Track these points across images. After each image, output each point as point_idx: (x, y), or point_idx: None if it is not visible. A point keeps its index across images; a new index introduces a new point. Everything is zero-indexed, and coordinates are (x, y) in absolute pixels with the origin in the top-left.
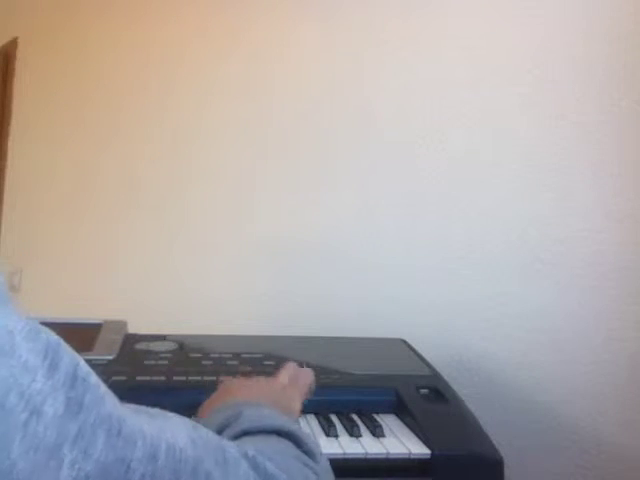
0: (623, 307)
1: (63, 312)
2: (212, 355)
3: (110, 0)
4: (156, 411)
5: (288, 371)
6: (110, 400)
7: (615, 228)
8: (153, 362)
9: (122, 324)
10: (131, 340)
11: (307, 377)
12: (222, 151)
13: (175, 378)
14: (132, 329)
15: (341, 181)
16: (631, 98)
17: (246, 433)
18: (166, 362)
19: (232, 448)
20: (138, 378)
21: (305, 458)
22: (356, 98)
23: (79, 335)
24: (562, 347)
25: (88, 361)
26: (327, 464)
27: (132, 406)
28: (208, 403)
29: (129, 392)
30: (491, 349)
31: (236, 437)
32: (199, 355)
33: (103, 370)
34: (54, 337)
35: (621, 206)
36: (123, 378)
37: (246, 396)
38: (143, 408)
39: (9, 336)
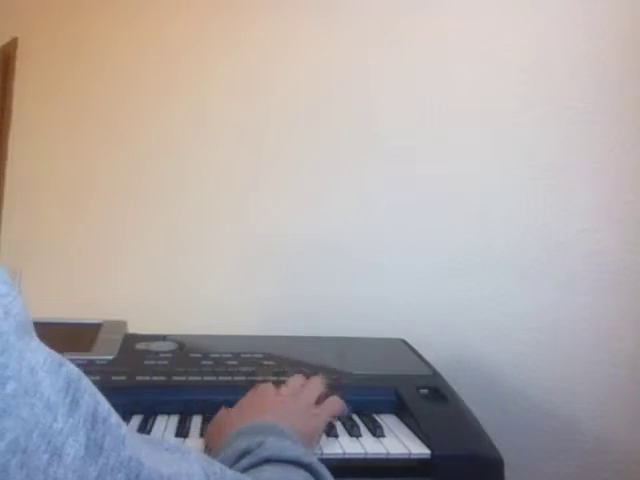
0: (623, 307)
1: (63, 312)
2: (212, 355)
3: (110, 0)
4: (173, 446)
5: (315, 387)
6: (130, 441)
7: (615, 228)
8: (153, 362)
9: (122, 324)
10: (131, 340)
11: (335, 406)
12: (222, 150)
13: (175, 378)
14: (132, 329)
15: (341, 181)
16: (631, 98)
17: (267, 461)
18: (166, 362)
19: None
20: (138, 378)
21: None
22: (356, 98)
23: (79, 335)
24: (562, 347)
25: (88, 361)
26: None
27: (150, 439)
28: (238, 411)
29: (129, 392)
30: (491, 349)
31: (257, 464)
32: (199, 355)
33: (103, 370)
34: (74, 371)
35: (621, 206)
36: (123, 378)
37: (274, 417)
38: (160, 442)
39: (32, 373)
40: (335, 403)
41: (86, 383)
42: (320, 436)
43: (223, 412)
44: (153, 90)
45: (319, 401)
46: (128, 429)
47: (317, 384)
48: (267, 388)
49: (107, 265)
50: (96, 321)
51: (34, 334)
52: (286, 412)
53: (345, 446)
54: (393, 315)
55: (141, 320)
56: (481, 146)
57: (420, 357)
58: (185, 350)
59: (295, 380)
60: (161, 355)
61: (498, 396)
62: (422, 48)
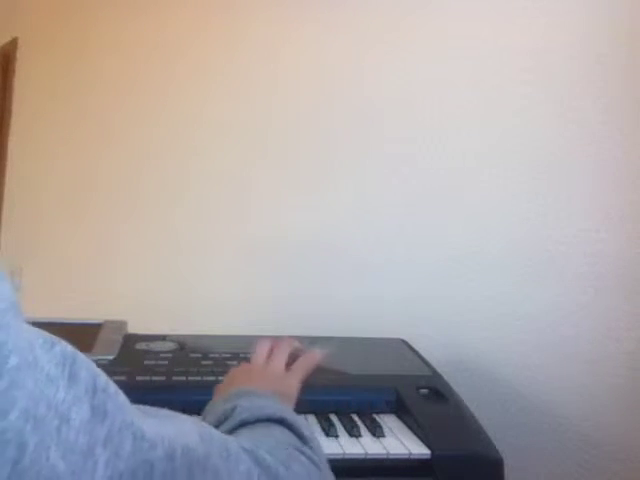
0: (623, 307)
1: (63, 312)
2: (212, 355)
3: (110, 1)
4: (166, 412)
5: (283, 350)
6: (129, 408)
7: (615, 228)
8: (153, 362)
9: (122, 324)
10: (131, 340)
11: (308, 360)
12: (222, 151)
13: (175, 378)
14: (132, 329)
15: (341, 181)
16: (631, 98)
17: (244, 423)
18: (166, 362)
19: (233, 443)
20: (138, 378)
21: (299, 444)
22: (356, 98)
23: (79, 335)
24: (562, 347)
25: None
26: (319, 444)
27: (144, 408)
28: (216, 391)
29: (129, 392)
30: (491, 349)
31: (234, 428)
32: (199, 355)
33: (103, 370)
34: (68, 348)
35: (621, 206)
36: (123, 378)
37: (245, 384)
38: (154, 410)
39: (30, 348)
40: (307, 358)
41: (82, 358)
42: (297, 393)
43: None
44: (152, 90)
45: (290, 362)
46: (126, 399)
47: (284, 347)
48: (238, 366)
49: (107, 265)
50: (96, 321)
51: (24, 319)
52: (257, 376)
53: (345, 446)
54: (393, 315)
55: (141, 320)
56: (481, 146)
57: (420, 357)
58: (185, 350)
59: (262, 346)
60: (161, 355)
61: (498, 396)
62: (422, 48)
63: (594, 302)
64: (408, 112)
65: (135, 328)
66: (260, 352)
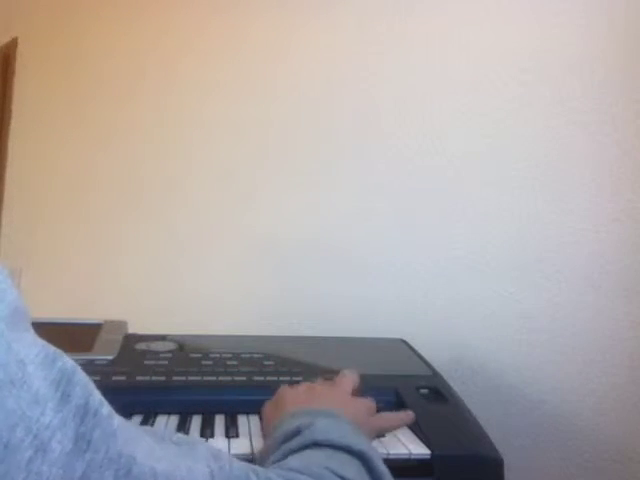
0: (623, 307)
1: (63, 312)
2: (212, 355)
3: (110, 1)
4: (182, 438)
5: (347, 379)
6: (123, 434)
7: (615, 228)
8: (153, 362)
9: (122, 324)
10: (131, 340)
11: (394, 420)
12: (222, 151)
13: (175, 378)
14: (132, 329)
15: (341, 181)
16: (631, 98)
17: (316, 444)
18: (166, 362)
19: (255, 476)
20: (138, 378)
21: None
22: (356, 98)
23: (79, 335)
24: (562, 347)
25: (88, 361)
26: None
27: (156, 432)
28: (273, 408)
29: (129, 392)
30: (491, 349)
31: (305, 446)
32: (199, 355)
33: (103, 370)
34: (70, 364)
35: (621, 206)
36: (123, 378)
37: (332, 405)
38: (169, 435)
39: (19, 366)
40: (400, 416)
41: (80, 375)
42: (372, 436)
43: (284, 389)
44: (152, 90)
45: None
46: (124, 422)
47: (348, 377)
48: (297, 387)
49: (107, 265)
50: (96, 321)
51: (30, 326)
52: (346, 405)
53: None
54: (393, 315)
55: (141, 320)
56: (481, 146)
57: (420, 357)
58: (185, 350)
59: (346, 380)
60: (161, 355)
61: (498, 396)
62: (422, 48)
63: (594, 302)
64: (408, 112)
65: (135, 328)
66: (345, 386)
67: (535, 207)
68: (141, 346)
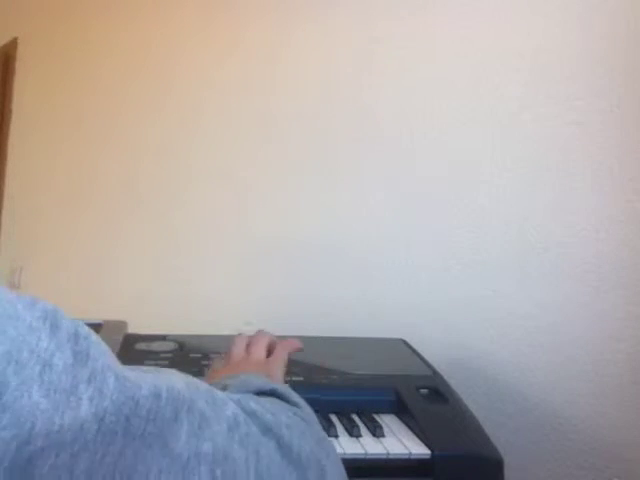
0: (623, 307)
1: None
2: (212, 355)
3: (110, 1)
4: (149, 368)
5: (261, 341)
6: (111, 354)
7: (615, 228)
8: (153, 362)
9: (122, 324)
10: (131, 340)
11: (288, 345)
12: (222, 151)
13: None
14: (132, 329)
15: (341, 181)
16: (631, 98)
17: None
18: (166, 362)
19: (219, 393)
20: None
21: (290, 407)
22: (356, 98)
23: None
24: (562, 347)
25: None
26: (312, 411)
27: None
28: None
29: None
30: (491, 349)
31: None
32: (199, 355)
33: None
34: (49, 304)
35: (621, 206)
36: None
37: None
38: (137, 368)
39: (11, 304)
40: (287, 343)
41: (62, 313)
42: (282, 378)
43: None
44: (153, 90)
45: (268, 354)
46: (109, 348)
47: (262, 339)
48: (218, 359)
49: (107, 265)
50: (96, 321)
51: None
52: (240, 365)
53: (345, 446)
54: (393, 315)
55: (141, 320)
56: (481, 146)
57: (420, 357)
58: (185, 350)
59: (239, 340)
60: (161, 355)
61: (498, 396)
62: (421, 48)
63: (594, 302)
64: (408, 112)
65: (135, 328)
66: (239, 345)
67: (535, 207)
68: (141, 346)
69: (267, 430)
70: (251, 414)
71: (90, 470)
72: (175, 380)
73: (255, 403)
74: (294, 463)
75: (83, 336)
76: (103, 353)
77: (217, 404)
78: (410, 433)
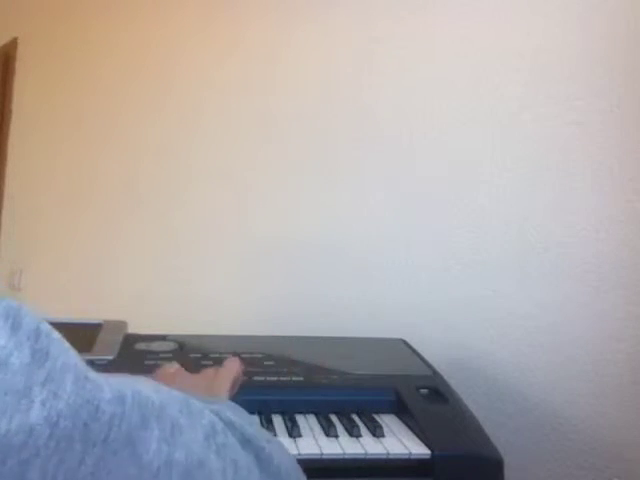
0: (623, 307)
1: (63, 312)
2: (212, 355)
3: (110, 0)
4: (118, 375)
5: (227, 376)
6: (73, 353)
7: (615, 228)
8: (153, 362)
9: (122, 324)
10: (131, 340)
11: (231, 369)
12: (222, 151)
13: None
14: (132, 329)
15: (341, 181)
16: (631, 98)
17: None
18: (166, 362)
19: (195, 402)
20: None
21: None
22: (356, 98)
23: (79, 335)
24: (562, 347)
25: (88, 361)
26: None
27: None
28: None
29: None
30: (491, 349)
31: None
32: (199, 355)
33: (103, 370)
34: (14, 303)
35: (621, 206)
36: None
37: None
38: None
39: None
40: (230, 365)
41: (26, 310)
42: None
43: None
44: (153, 90)
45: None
46: (71, 347)
47: (228, 373)
48: (163, 371)
49: (107, 265)
50: (96, 321)
51: None
52: (189, 387)
53: (345, 446)
54: (393, 315)
55: (141, 320)
56: (481, 146)
57: (420, 357)
58: (185, 350)
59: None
60: (161, 355)
61: (498, 396)
62: (421, 48)
63: (594, 302)
64: (408, 112)
65: (135, 328)
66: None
67: (535, 207)
68: (141, 346)
69: (246, 441)
70: (229, 424)
71: (44, 478)
72: (143, 385)
73: (232, 414)
74: (273, 477)
75: (45, 333)
76: (64, 352)
77: (192, 412)
78: (410, 433)
